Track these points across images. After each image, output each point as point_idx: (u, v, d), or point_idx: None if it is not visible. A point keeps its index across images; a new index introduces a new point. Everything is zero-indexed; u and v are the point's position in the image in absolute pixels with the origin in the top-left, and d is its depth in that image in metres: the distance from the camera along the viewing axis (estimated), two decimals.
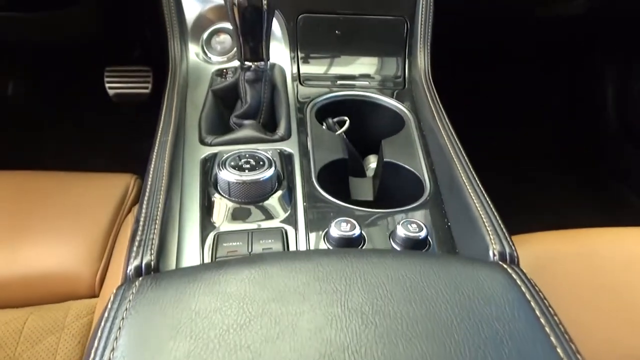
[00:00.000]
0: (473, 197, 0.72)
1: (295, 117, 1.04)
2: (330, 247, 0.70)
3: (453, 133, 0.90)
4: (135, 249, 0.60)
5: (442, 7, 1.24)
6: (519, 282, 0.54)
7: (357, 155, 1.09)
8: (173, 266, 0.66)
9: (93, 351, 0.46)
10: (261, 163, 0.79)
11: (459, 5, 1.45)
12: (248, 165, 0.77)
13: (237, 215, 0.76)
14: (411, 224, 0.70)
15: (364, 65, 1.21)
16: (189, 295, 0.49)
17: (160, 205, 0.68)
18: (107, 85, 2.12)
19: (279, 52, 1.21)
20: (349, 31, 1.22)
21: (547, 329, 0.48)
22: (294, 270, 0.52)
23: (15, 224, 1.14)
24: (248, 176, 0.76)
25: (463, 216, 0.74)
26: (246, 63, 1.01)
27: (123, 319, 0.48)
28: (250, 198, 0.76)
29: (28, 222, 1.14)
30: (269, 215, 0.77)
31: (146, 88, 2.15)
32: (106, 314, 0.49)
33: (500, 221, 0.67)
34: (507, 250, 0.63)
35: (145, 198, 0.72)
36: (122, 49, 2.16)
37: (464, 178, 0.76)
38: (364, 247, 0.70)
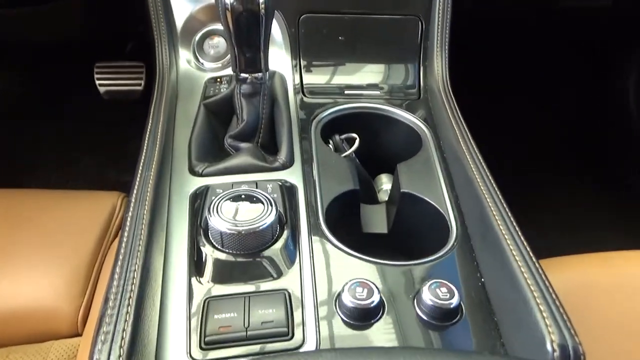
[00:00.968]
0: (518, 260, 0.59)
1: (298, 136, 0.91)
2: (343, 317, 0.59)
3: (481, 160, 0.78)
4: (101, 341, 0.49)
5: (460, 6, 1.11)
6: None
7: (368, 178, 0.97)
8: (152, 351, 0.54)
9: None
10: (260, 206, 0.66)
11: (479, 3, 1.32)
12: (244, 210, 0.65)
13: (231, 272, 0.64)
14: (440, 286, 0.59)
15: (373, 72, 1.08)
16: None
17: (136, 276, 0.56)
18: (97, 82, 2.00)
19: (279, 58, 1.09)
20: (355, 34, 1.09)
21: None
22: None
23: None
24: (244, 225, 0.63)
25: (502, 278, 0.61)
26: (242, 75, 0.89)
27: None
28: (247, 250, 0.64)
29: (3, 251, 1.03)
30: (268, 273, 0.64)
31: (139, 85, 2.04)
32: None
33: (558, 301, 0.54)
34: (570, 343, 0.50)
35: (119, 264, 0.60)
36: (115, 43, 2.05)
37: (501, 226, 0.64)
38: (383, 316, 0.59)
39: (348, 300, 0.58)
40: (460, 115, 0.94)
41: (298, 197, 0.77)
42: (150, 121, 0.88)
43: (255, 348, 0.56)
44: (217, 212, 0.64)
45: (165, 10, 1.12)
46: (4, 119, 2.10)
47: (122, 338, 0.50)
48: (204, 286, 0.63)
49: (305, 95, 1.03)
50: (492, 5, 1.49)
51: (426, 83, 1.07)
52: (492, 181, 0.73)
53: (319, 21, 1.09)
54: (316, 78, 1.06)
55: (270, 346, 0.57)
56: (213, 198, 0.66)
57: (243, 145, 0.88)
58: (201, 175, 0.81)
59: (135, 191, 0.73)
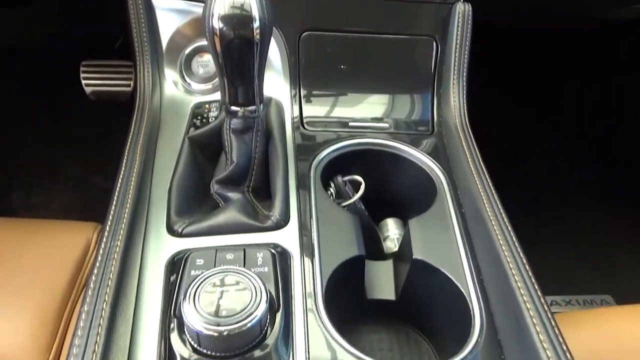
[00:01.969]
0: None
1: (295, 183, 0.80)
2: None
3: (510, 230, 0.66)
4: None
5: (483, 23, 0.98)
6: None
7: (373, 227, 0.85)
8: None
9: None
10: (247, 294, 0.54)
11: (506, 18, 1.18)
12: (227, 301, 0.53)
13: None
14: None
15: (380, 103, 0.96)
16: None
17: None
18: (83, 81, 1.88)
19: (277, 86, 0.96)
20: (361, 56, 0.97)
21: None
22: None
23: None
24: (227, 323, 0.52)
25: None
26: (232, 107, 0.77)
27: None
28: (230, 351, 0.53)
29: None
30: None
31: (127, 86, 1.92)
32: None
33: None
34: None
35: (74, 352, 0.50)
36: (103, 40, 1.93)
37: (539, 333, 0.53)
38: None
39: None
40: (480, 160, 0.82)
41: (293, 267, 0.65)
42: (123, 165, 0.76)
43: None
44: (194, 302, 0.53)
45: (149, 21, 1.00)
46: None
47: None
48: None
49: (305, 128, 0.92)
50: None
51: (440, 115, 0.95)
52: (524, 258, 0.62)
53: (321, 40, 0.97)
54: (317, 109, 0.94)
55: None
56: (190, 283, 0.55)
57: (231, 195, 0.76)
58: (181, 235, 0.69)
59: (99, 259, 0.62)
